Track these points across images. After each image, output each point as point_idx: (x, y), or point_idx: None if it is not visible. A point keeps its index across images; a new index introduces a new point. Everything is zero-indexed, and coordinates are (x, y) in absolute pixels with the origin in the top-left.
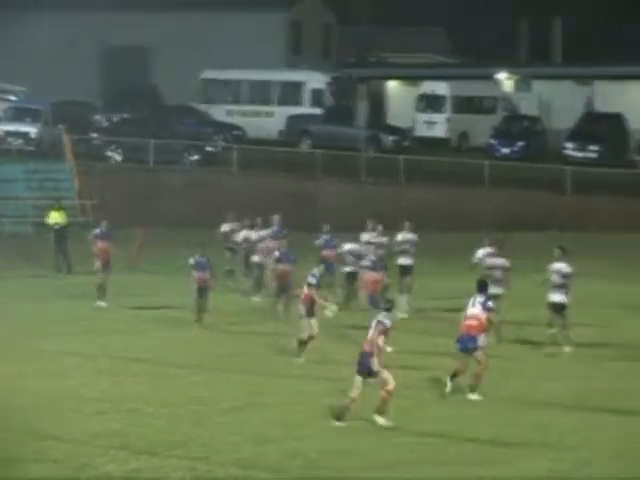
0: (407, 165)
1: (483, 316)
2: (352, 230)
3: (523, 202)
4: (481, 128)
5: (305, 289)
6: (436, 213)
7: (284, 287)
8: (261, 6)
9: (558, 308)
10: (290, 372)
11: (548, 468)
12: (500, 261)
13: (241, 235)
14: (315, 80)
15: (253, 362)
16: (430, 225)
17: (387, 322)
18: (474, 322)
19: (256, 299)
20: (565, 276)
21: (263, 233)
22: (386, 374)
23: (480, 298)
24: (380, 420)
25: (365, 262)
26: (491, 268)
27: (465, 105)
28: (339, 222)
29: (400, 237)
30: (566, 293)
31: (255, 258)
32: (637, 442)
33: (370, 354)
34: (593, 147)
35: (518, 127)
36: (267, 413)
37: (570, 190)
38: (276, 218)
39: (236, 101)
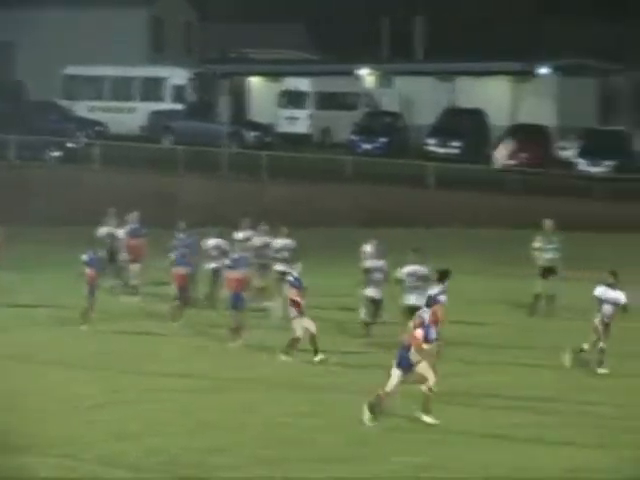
0: (269, 161)
1: (436, 307)
2: (215, 227)
3: (386, 198)
4: (343, 124)
5: (289, 291)
6: (299, 210)
7: (183, 289)
8: (123, 3)
9: (413, 311)
10: (154, 370)
11: (417, 464)
12: (380, 263)
13: (104, 231)
14: (177, 76)
15: (118, 360)
16: (292, 222)
17: (426, 316)
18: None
19: (125, 299)
20: (421, 278)
21: (125, 230)
22: (425, 369)
23: (435, 290)
24: (427, 419)
25: (226, 261)
26: (370, 271)
27: (327, 101)
28: (201, 219)
29: (278, 243)
30: (422, 295)
31: (121, 257)
32: (500, 436)
33: (408, 347)
34: (454, 143)
35: (380, 123)
36: (129, 410)
37: (433, 186)
38: (134, 216)
39: (99, 97)
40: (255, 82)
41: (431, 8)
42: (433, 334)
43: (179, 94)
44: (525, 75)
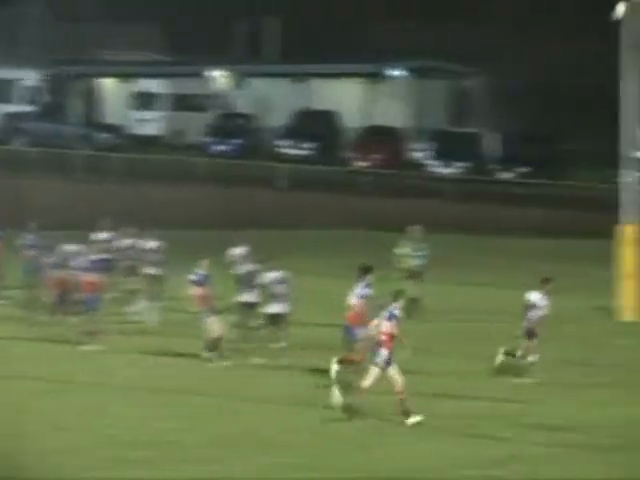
0: (121, 163)
1: (358, 304)
2: (67, 229)
3: (239, 200)
4: (197, 125)
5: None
6: (151, 211)
7: (64, 295)
8: None
9: (277, 319)
10: (11, 373)
11: (284, 463)
12: (254, 266)
13: None
14: (29, 77)
15: None
16: (144, 223)
17: (397, 312)
18: (351, 312)
19: None
20: (284, 286)
21: None
22: (394, 372)
23: (357, 288)
24: (409, 421)
25: (81, 263)
26: (244, 274)
27: (180, 103)
28: (53, 221)
29: (147, 245)
30: (285, 302)
31: None
32: (359, 440)
33: (381, 345)
34: (307, 144)
35: (233, 125)
36: None
37: (285, 188)
38: None
39: None
40: (108, 83)
41: (284, 9)
42: (356, 334)
43: (31, 95)
44: (377, 77)
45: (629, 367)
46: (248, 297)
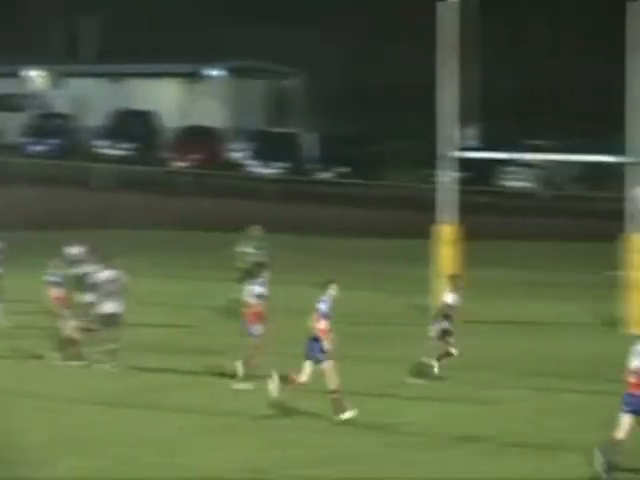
0: None
1: (254, 303)
2: None
3: (56, 200)
4: (13, 126)
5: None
6: None
7: None
8: None
9: (112, 318)
10: None
11: (93, 466)
12: (95, 267)
13: None
14: None
15: None
16: None
17: (323, 306)
18: (248, 310)
19: None
20: (117, 284)
21: None
22: (329, 370)
23: (253, 286)
24: (346, 415)
25: None
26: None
27: None
28: None
29: None
30: (118, 301)
31: None
32: (183, 437)
33: (316, 339)
34: (125, 145)
35: (51, 125)
36: None
37: (103, 188)
38: None
39: None
40: None
41: (102, 9)
42: (253, 332)
43: None
44: (195, 77)
45: (449, 365)
46: (89, 297)
